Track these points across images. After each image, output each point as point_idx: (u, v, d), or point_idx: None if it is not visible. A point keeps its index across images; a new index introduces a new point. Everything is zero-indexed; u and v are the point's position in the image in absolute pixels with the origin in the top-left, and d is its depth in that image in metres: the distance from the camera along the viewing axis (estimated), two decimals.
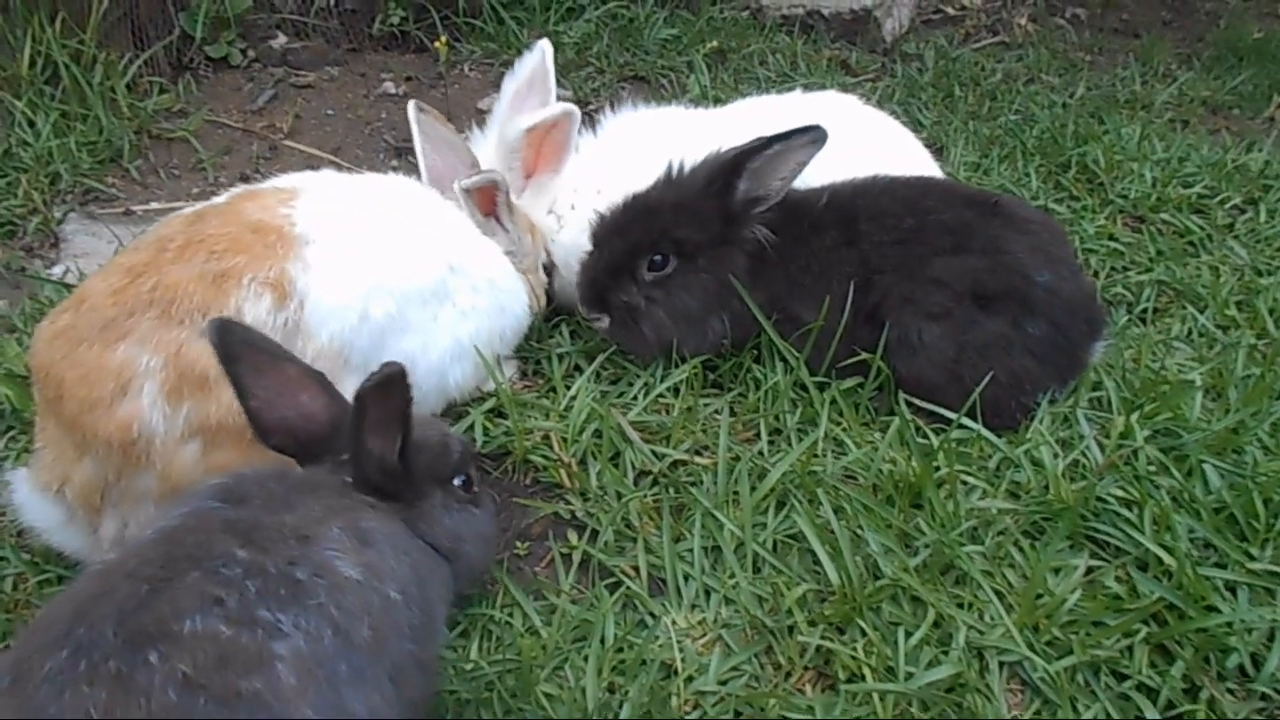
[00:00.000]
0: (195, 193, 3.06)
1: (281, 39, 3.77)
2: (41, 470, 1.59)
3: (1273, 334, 2.34)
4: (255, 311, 1.58)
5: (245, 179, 3.16)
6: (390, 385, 1.26)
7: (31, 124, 2.99)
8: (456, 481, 1.48)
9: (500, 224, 2.14)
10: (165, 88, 3.37)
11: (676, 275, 2.05)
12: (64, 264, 2.62)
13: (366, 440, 1.30)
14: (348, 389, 1.41)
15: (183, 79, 3.49)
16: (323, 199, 1.80)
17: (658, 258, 2.04)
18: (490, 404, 2.03)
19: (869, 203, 2.05)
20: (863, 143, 2.34)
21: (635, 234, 2.04)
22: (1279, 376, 2.12)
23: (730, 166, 2.00)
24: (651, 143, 2.27)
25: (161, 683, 0.97)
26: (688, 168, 2.07)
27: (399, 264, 1.81)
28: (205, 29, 3.51)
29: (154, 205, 2.96)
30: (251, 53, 3.69)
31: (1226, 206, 2.90)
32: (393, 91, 3.72)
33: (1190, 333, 2.38)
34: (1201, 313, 2.43)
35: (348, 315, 1.69)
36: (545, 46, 2.37)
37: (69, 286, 2.40)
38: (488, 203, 2.10)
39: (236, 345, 1.35)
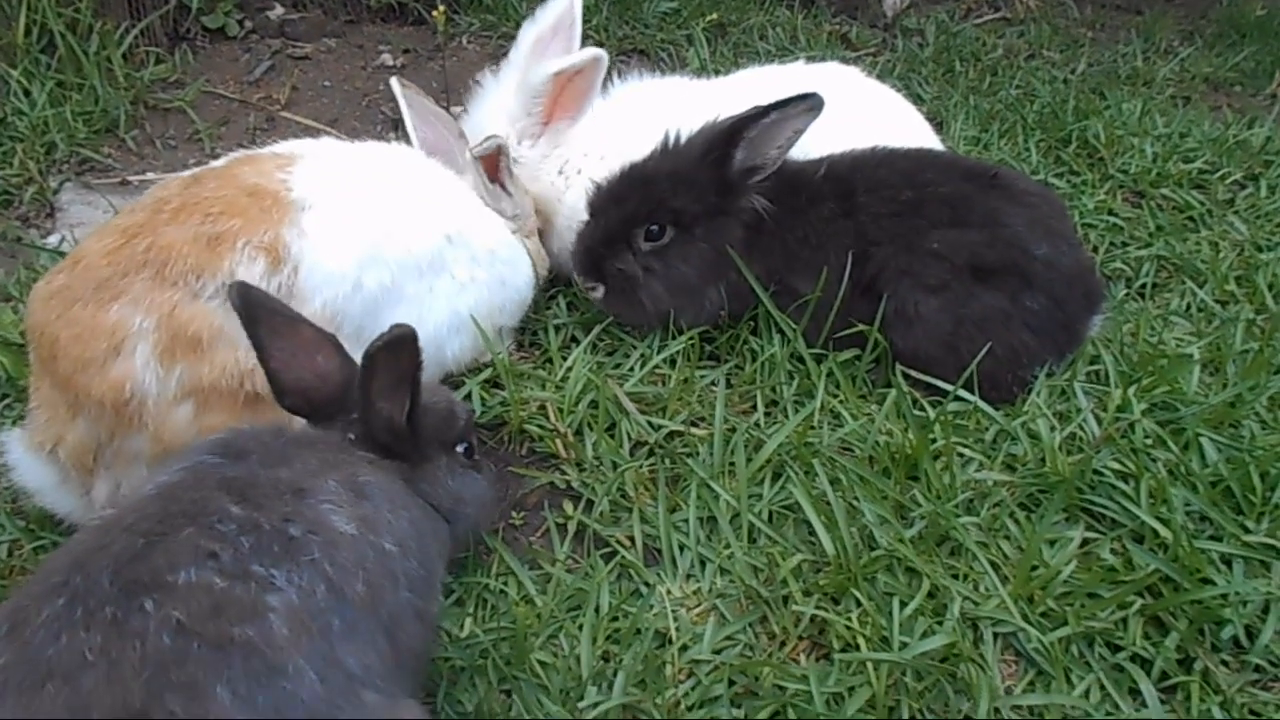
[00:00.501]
0: (192, 163, 3.03)
1: (279, 10, 3.73)
2: (35, 431, 1.59)
3: (1271, 309, 2.34)
4: (249, 275, 1.57)
5: (242, 149, 3.14)
6: (399, 346, 1.28)
7: (27, 93, 2.96)
8: (460, 448, 1.49)
9: (504, 189, 2.13)
10: (162, 58, 3.34)
11: (673, 245, 2.04)
12: (59, 233, 2.61)
13: (375, 400, 1.32)
14: None
15: (179, 49, 3.46)
16: (321, 165, 1.78)
17: (654, 227, 2.03)
18: (486, 374, 2.02)
19: (867, 174, 2.03)
20: (864, 114, 2.33)
21: (632, 203, 2.03)
22: (1277, 351, 2.11)
23: (727, 135, 1.98)
24: (659, 110, 2.25)
25: (156, 628, 0.99)
26: (684, 137, 2.05)
27: (395, 233, 1.79)
28: None
29: (150, 175, 2.94)
30: (248, 23, 3.66)
31: (1227, 182, 2.88)
32: (390, 63, 3.69)
33: (1189, 307, 2.37)
34: (1200, 288, 2.42)
35: (341, 283, 1.69)
36: None
37: (64, 254, 2.38)
38: (493, 168, 2.09)
39: (256, 308, 1.37)
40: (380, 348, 1.27)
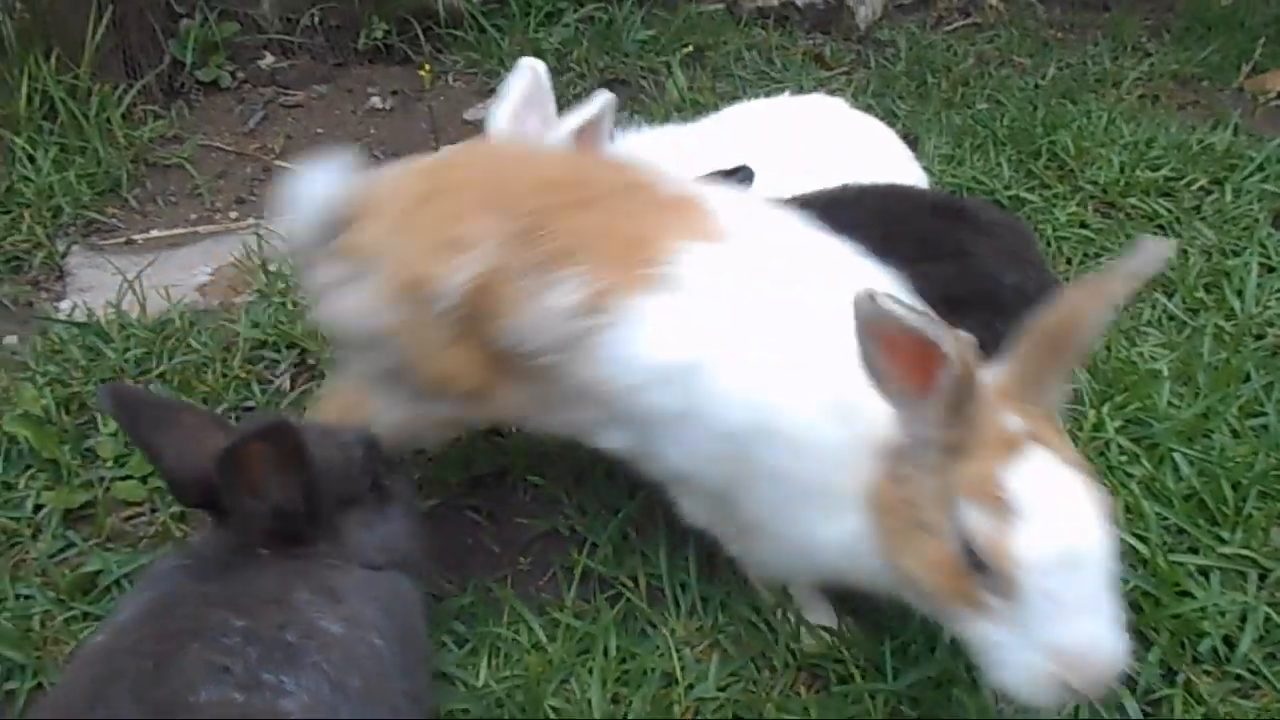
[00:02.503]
0: (193, 219, 3.13)
1: (269, 58, 3.83)
2: None
3: (1239, 315, 2.43)
4: None
5: (241, 202, 3.24)
6: (277, 436, 1.23)
7: (32, 159, 3.05)
8: (367, 486, 1.46)
9: None
10: (159, 114, 3.43)
11: None
12: (70, 299, 2.70)
13: (253, 499, 1.27)
14: None
15: (175, 105, 3.55)
16: None
17: None
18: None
19: (840, 214, 2.12)
20: (848, 147, 2.43)
21: None
22: (1245, 359, 2.20)
23: None
24: (667, 157, 2.31)
25: None
26: None
27: None
28: (195, 54, 3.57)
29: (154, 233, 3.03)
30: (240, 74, 3.75)
31: (1193, 188, 2.97)
32: (380, 106, 3.78)
33: (1160, 318, 2.46)
34: (1170, 297, 2.51)
35: None
36: (534, 65, 2.41)
37: (79, 325, 2.48)
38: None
39: (132, 406, 1.32)
40: (254, 439, 1.21)
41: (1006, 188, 2.99)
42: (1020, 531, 1.22)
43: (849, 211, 2.13)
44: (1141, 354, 2.28)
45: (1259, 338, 2.37)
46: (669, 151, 2.37)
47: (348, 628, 1.25)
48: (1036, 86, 3.75)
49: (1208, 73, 4.10)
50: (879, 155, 2.46)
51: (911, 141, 3.12)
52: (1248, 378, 2.17)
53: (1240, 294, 2.49)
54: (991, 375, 1.35)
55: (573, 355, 1.53)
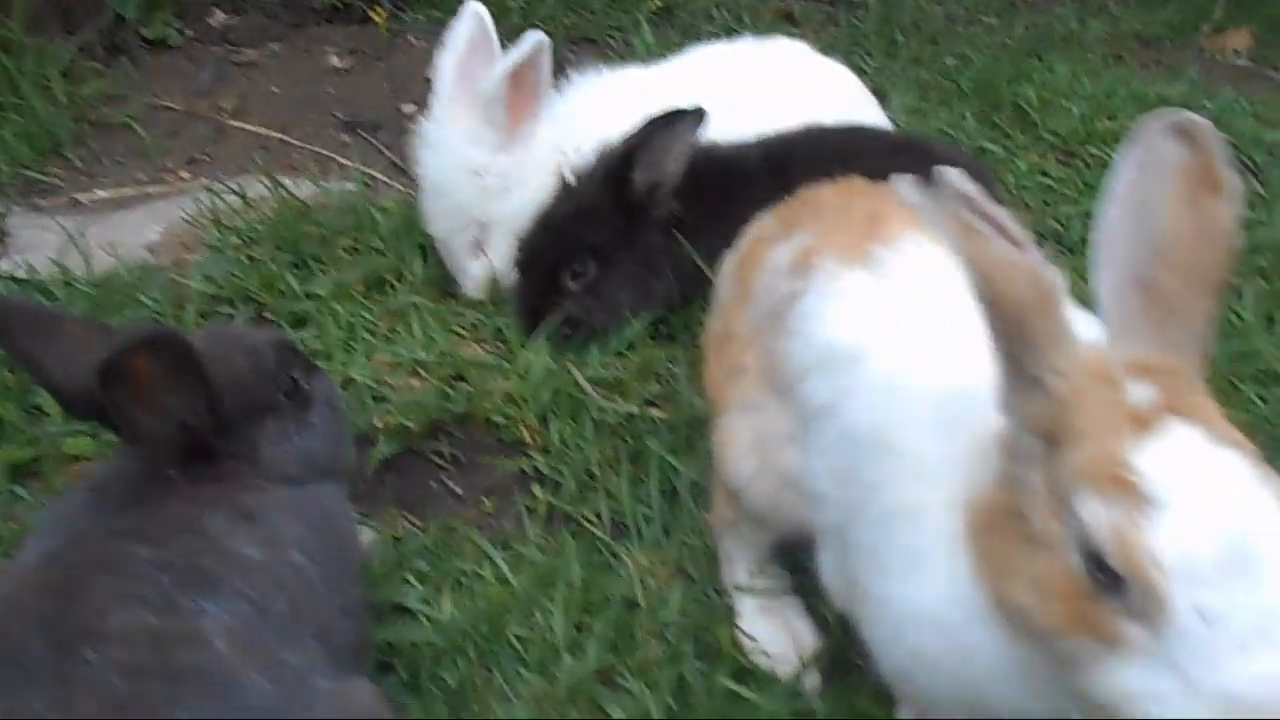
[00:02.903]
0: (142, 179, 3.05)
1: (220, 16, 3.74)
2: None
3: None
4: None
5: (193, 162, 3.16)
6: (162, 346, 1.16)
7: None
8: (283, 390, 1.39)
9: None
10: (102, 72, 3.34)
11: (602, 277, 2.14)
12: (12, 258, 2.62)
13: (146, 416, 1.19)
14: None
15: (119, 63, 3.45)
16: None
17: (577, 267, 2.13)
18: (449, 369, 2.09)
19: (801, 154, 2.12)
20: (810, 89, 2.43)
21: (550, 252, 2.13)
22: None
23: (621, 163, 2.08)
24: (617, 104, 2.30)
25: (104, 674, 0.99)
26: (581, 172, 2.14)
27: None
28: (139, 10, 3.47)
29: (100, 194, 2.95)
30: (190, 32, 3.66)
31: None
32: (338, 65, 3.71)
33: None
34: None
35: None
36: (479, 10, 2.38)
37: (19, 281, 2.41)
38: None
39: (3, 313, 1.23)
40: (133, 350, 1.13)
41: (970, 138, 3.01)
42: (1160, 522, 0.88)
43: (809, 151, 2.13)
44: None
45: None
46: (630, 93, 2.36)
47: (267, 550, 1.21)
48: (1004, 45, 3.78)
49: (1169, 33, 4.16)
50: (841, 97, 2.46)
51: (879, 97, 3.12)
52: None
53: None
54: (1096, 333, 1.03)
55: (775, 325, 1.39)
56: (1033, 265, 0.95)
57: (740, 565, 1.63)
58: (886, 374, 1.19)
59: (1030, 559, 0.96)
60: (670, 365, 2.09)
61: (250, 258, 2.40)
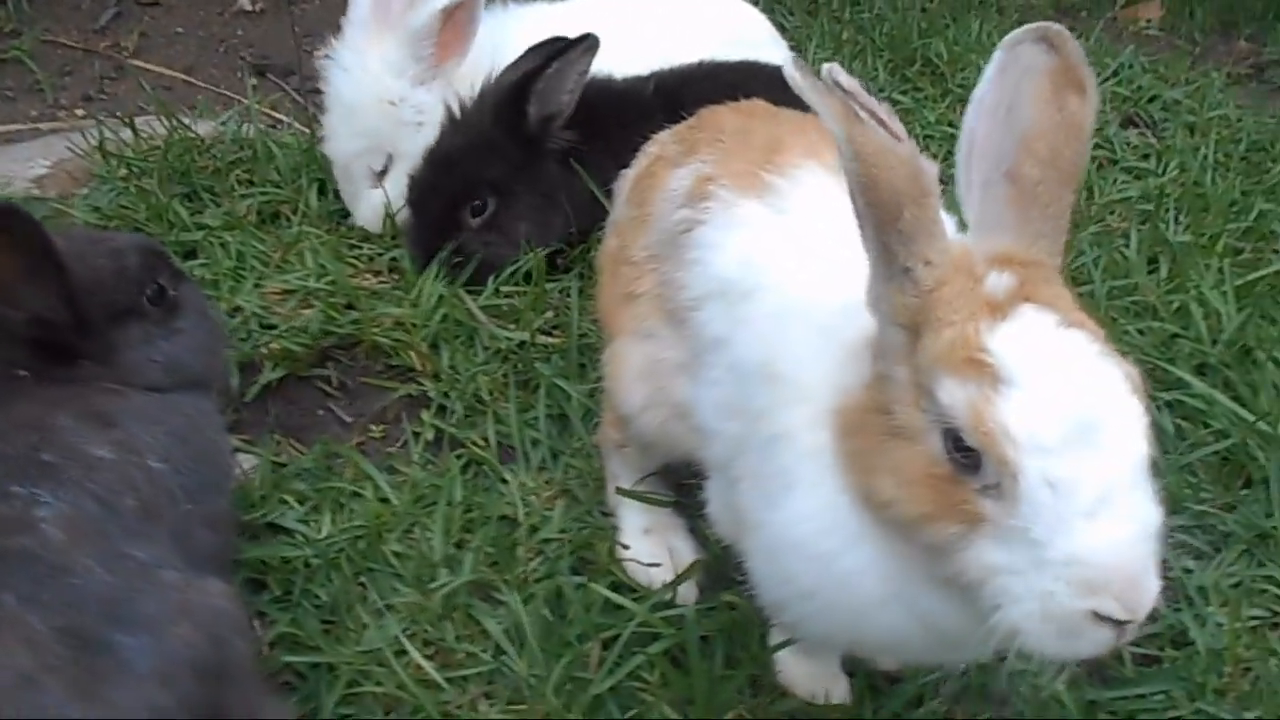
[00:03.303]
0: (34, 115, 2.93)
1: None
2: None
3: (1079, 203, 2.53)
4: None
5: (88, 100, 3.05)
6: (4, 215, 1.12)
7: None
8: (147, 295, 1.36)
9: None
10: None
11: (501, 211, 2.11)
12: None
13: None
14: None
15: None
16: None
17: (476, 203, 2.10)
18: (342, 299, 2.05)
19: (694, 89, 2.12)
20: (715, 27, 2.43)
21: (446, 188, 2.10)
22: (1082, 237, 2.32)
23: (513, 95, 2.06)
24: (525, 39, 2.26)
25: None
26: (469, 104, 2.10)
27: None
28: None
29: None
30: None
31: None
32: (248, 9, 3.60)
33: None
34: None
35: None
36: None
37: None
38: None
39: None
40: None
41: (881, 90, 3.04)
42: (1012, 398, 0.91)
43: (703, 87, 2.13)
44: None
45: (1099, 221, 2.48)
46: (538, 28, 2.33)
47: (119, 452, 1.19)
48: (923, 9, 3.82)
49: (1085, 4, 4.25)
50: (747, 36, 2.47)
51: (796, 52, 3.15)
52: (1083, 253, 2.28)
53: (1088, 186, 2.60)
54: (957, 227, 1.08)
55: (671, 253, 1.37)
56: (911, 156, 0.98)
57: (624, 485, 1.63)
58: (777, 305, 1.20)
59: (895, 452, 0.99)
60: (565, 295, 2.08)
61: (139, 188, 2.32)
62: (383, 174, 2.30)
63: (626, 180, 1.63)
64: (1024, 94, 1.06)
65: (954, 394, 0.94)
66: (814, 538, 1.07)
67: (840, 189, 1.03)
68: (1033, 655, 0.95)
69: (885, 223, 0.99)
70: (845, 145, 0.97)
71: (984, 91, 1.07)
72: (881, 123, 0.99)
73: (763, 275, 1.22)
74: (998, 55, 1.07)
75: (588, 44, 2.03)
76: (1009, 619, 0.93)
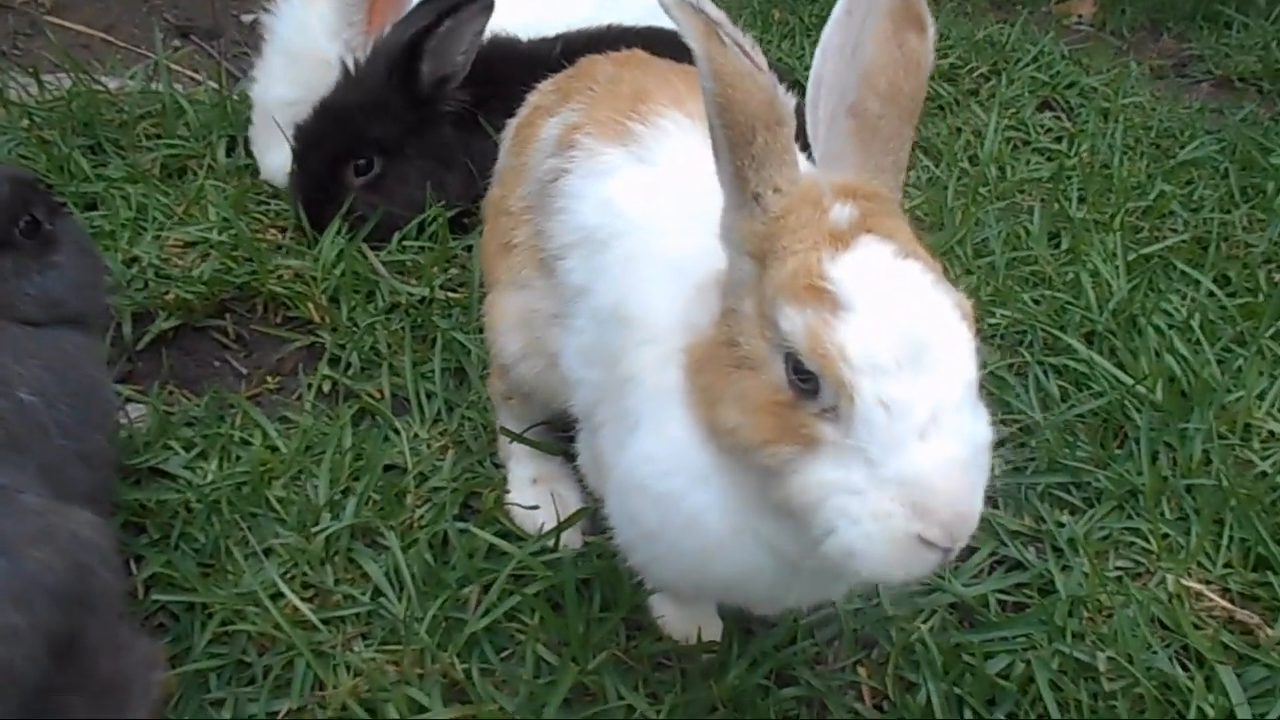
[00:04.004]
0: None
1: None
2: None
3: (986, 175, 2.59)
4: None
5: (3, 55, 2.96)
6: None
7: None
8: (19, 227, 1.35)
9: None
10: None
11: (387, 172, 2.10)
12: None
13: None
14: None
15: None
16: None
17: (361, 162, 2.08)
18: (243, 252, 2.03)
19: (600, 51, 2.13)
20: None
21: (332, 144, 2.07)
22: (986, 210, 2.37)
23: (406, 53, 2.04)
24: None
25: None
26: (363, 61, 2.09)
27: None
28: None
29: None
30: None
31: (974, 75, 3.14)
32: None
33: (921, 179, 2.60)
34: (937, 165, 2.65)
35: None
36: None
37: None
38: None
39: None
40: None
41: (807, 68, 3.06)
42: (849, 322, 0.94)
43: (610, 50, 2.14)
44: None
45: (1007, 199, 2.54)
46: None
47: None
48: None
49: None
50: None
51: None
52: (978, 221, 2.34)
53: (998, 162, 2.66)
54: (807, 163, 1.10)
55: (542, 203, 1.37)
56: (769, 84, 0.99)
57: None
58: (631, 249, 1.21)
59: (740, 382, 1.02)
60: (469, 253, 2.08)
61: (40, 139, 2.27)
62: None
63: (509, 129, 1.63)
64: (867, 32, 1.08)
65: (794, 320, 0.96)
66: (658, 478, 1.09)
67: (704, 139, 1.04)
68: (863, 578, 0.99)
69: (738, 145, 1.00)
70: (704, 63, 0.98)
71: (831, 32, 1.10)
72: (745, 53, 1.00)
73: (621, 222, 1.23)
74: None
75: (482, 3, 2.02)
76: (844, 540, 0.95)
